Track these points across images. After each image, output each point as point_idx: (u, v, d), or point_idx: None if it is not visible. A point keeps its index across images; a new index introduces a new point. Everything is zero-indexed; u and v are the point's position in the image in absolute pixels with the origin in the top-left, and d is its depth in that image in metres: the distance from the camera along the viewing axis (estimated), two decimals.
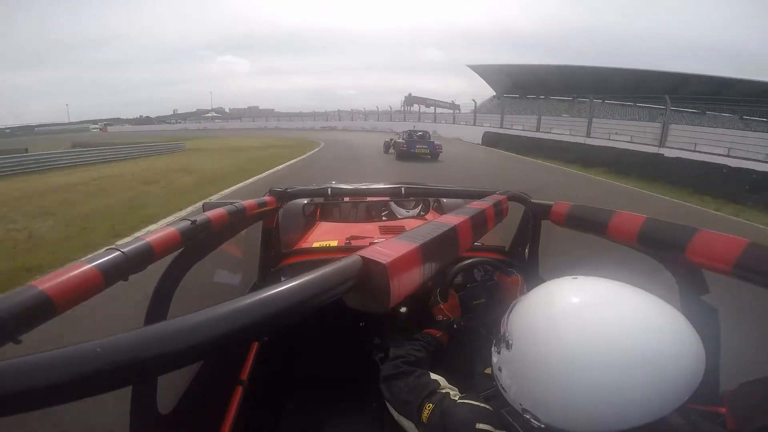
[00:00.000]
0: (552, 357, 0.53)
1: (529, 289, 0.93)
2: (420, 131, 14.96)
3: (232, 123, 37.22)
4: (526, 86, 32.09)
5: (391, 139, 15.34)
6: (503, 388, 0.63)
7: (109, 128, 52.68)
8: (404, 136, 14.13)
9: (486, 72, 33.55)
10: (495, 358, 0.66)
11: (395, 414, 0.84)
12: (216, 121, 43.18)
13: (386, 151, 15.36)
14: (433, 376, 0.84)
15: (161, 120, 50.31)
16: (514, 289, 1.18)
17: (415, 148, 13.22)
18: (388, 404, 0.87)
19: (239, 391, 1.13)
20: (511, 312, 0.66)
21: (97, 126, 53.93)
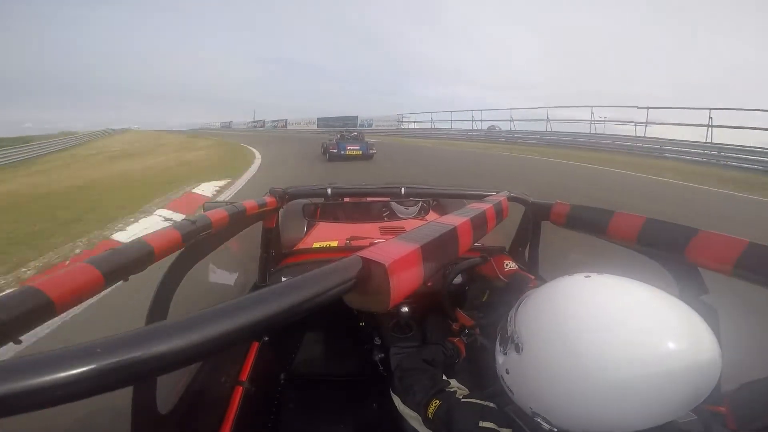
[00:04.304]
0: (566, 363, 0.51)
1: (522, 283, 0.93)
2: (354, 131, 14.39)
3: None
4: None
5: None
6: (510, 390, 0.62)
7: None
8: (336, 137, 13.44)
9: None
10: (500, 359, 0.64)
11: (401, 406, 0.84)
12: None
13: (324, 153, 13.62)
14: (445, 377, 0.85)
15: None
16: (493, 270, 1.22)
17: (345, 150, 12.39)
18: (393, 395, 0.88)
19: (239, 391, 1.13)
20: (518, 310, 0.63)
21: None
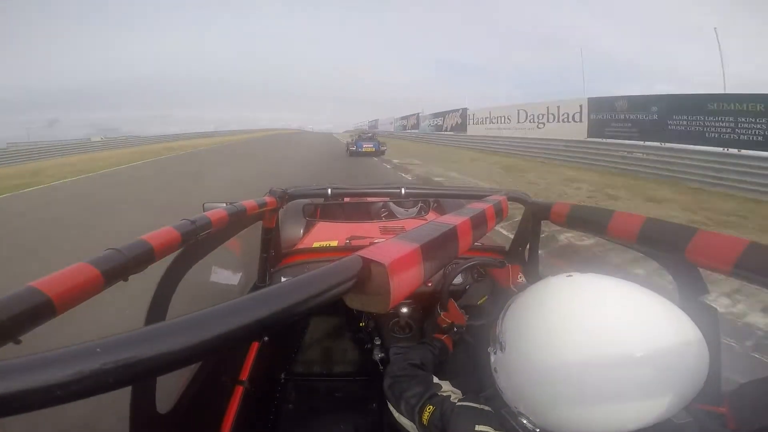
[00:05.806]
0: (546, 362, 0.51)
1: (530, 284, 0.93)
2: (369, 133, 19.44)
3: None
4: None
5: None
6: (500, 390, 0.62)
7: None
8: (355, 137, 17.66)
9: None
10: (492, 359, 0.65)
11: (395, 413, 0.84)
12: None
13: (347, 150, 17.77)
14: (437, 380, 0.84)
15: None
16: (507, 278, 1.21)
17: (362, 147, 16.28)
18: (388, 403, 0.87)
19: (239, 391, 1.13)
20: (506, 311, 0.64)
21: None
